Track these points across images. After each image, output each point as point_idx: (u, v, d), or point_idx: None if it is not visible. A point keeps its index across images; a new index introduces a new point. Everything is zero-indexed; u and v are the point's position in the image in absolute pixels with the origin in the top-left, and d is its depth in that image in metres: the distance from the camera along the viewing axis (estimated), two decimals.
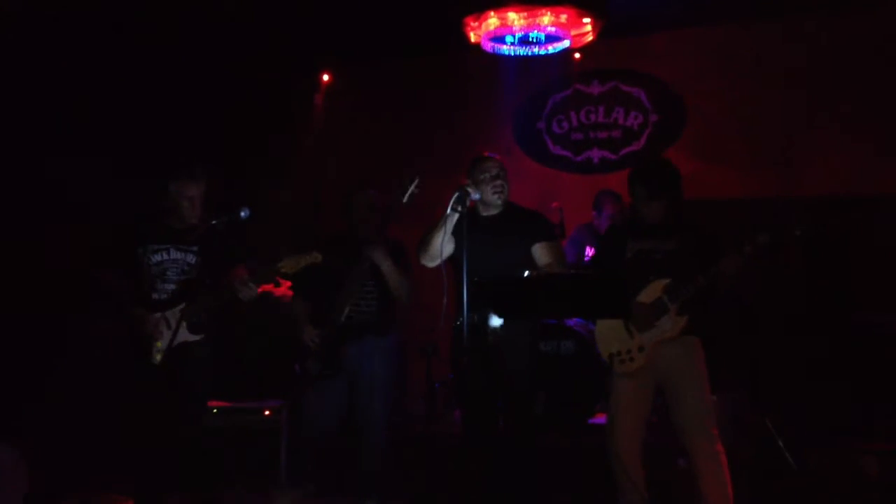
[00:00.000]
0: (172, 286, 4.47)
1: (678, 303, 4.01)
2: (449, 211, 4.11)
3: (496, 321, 4.20)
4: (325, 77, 7.78)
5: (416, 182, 4.37)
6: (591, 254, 6.14)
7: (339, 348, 4.65)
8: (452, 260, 4.24)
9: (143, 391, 4.38)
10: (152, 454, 4.42)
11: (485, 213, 4.38)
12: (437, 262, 4.23)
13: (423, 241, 4.32)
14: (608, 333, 4.20)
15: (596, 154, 7.23)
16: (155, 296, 4.47)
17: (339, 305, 4.61)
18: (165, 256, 4.49)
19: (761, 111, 6.67)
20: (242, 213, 4.00)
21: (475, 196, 4.16)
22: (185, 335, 4.33)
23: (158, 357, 4.34)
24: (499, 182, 4.31)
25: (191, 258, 4.53)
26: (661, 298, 4.04)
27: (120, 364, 4.57)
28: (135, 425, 4.46)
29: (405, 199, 4.37)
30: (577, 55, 6.95)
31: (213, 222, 4.17)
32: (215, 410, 5.56)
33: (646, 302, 4.07)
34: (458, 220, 4.12)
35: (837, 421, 5.20)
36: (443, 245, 4.19)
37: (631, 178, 4.27)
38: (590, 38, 6.06)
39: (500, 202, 4.35)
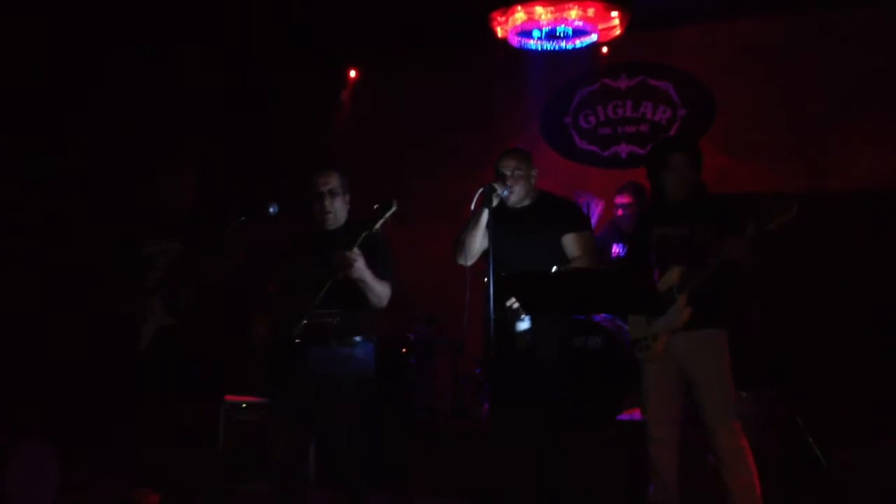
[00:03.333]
0: (159, 274, 4.53)
1: (686, 292, 3.98)
2: (473, 207, 4.11)
3: (523, 325, 4.18)
4: (352, 73, 7.79)
5: (391, 209, 3.91)
6: (616, 250, 6.11)
7: (294, 360, 4.05)
8: (483, 255, 4.24)
9: (136, 382, 4.45)
10: (164, 446, 4.48)
11: (512, 206, 4.36)
12: (473, 261, 4.23)
13: (458, 242, 4.31)
14: (634, 321, 4.24)
15: (623, 149, 7.18)
16: (149, 285, 4.55)
17: (296, 317, 3.96)
18: (157, 248, 4.55)
19: (791, 105, 6.60)
20: (271, 210, 4.02)
21: (503, 192, 4.15)
22: (164, 319, 4.41)
23: (144, 342, 4.41)
24: (510, 180, 4.28)
25: (178, 247, 4.59)
26: (672, 287, 4.02)
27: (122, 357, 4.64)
28: (137, 419, 4.53)
29: (376, 227, 3.92)
30: (605, 49, 6.91)
31: (242, 219, 4.20)
32: (244, 405, 5.61)
33: (661, 290, 4.05)
34: (489, 217, 4.12)
35: (869, 417, 5.15)
36: (474, 244, 4.20)
37: (672, 144, 4.26)
38: (617, 31, 6.03)
39: (517, 197, 4.33)
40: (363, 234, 3.88)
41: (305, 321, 3.93)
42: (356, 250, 3.87)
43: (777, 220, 3.74)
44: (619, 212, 6.10)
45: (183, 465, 4.49)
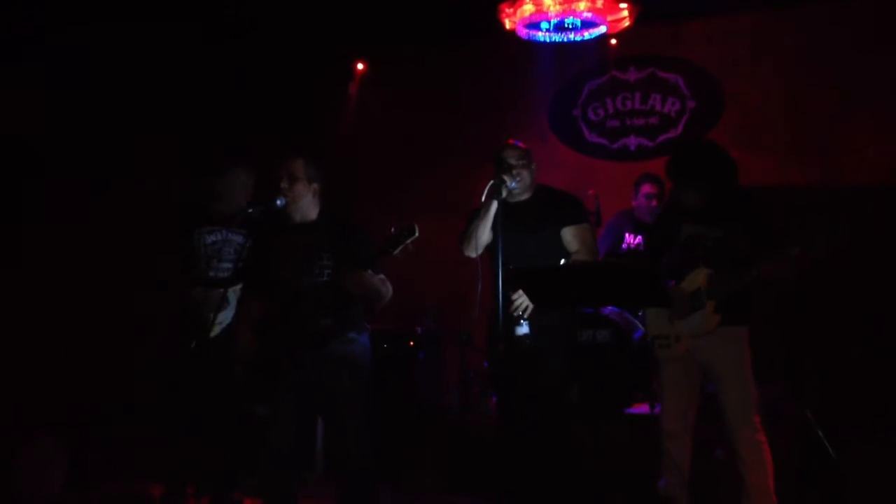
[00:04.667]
0: (230, 265, 4.60)
1: (715, 299, 3.97)
2: (484, 199, 4.09)
3: (522, 329, 4.16)
4: (360, 66, 7.76)
5: (413, 236, 3.67)
6: (629, 240, 6.09)
7: (292, 365, 3.89)
8: (488, 249, 4.23)
9: (199, 371, 4.43)
10: (212, 441, 4.48)
11: (513, 201, 4.34)
12: (480, 251, 4.20)
13: (467, 234, 4.31)
14: (655, 316, 4.23)
15: (632, 141, 7.15)
16: (212, 273, 4.59)
17: (292, 332, 3.87)
18: (219, 237, 4.64)
19: (800, 98, 6.57)
20: (278, 202, 4.00)
21: (511, 185, 4.14)
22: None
23: (217, 329, 4.41)
24: (515, 171, 4.27)
25: (242, 239, 4.63)
26: (699, 290, 4.00)
27: (172, 349, 4.61)
28: (190, 409, 4.51)
29: (395, 252, 3.70)
30: (614, 41, 6.88)
31: (250, 210, 4.19)
32: None
33: (686, 290, 4.04)
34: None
35: (879, 412, 5.12)
36: (482, 236, 4.18)
37: (666, 165, 4.23)
38: (626, 23, 5.98)
39: (519, 190, 4.31)
40: (380, 257, 3.76)
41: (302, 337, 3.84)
42: (369, 272, 3.79)
43: (826, 250, 3.67)
44: (652, 202, 6.04)
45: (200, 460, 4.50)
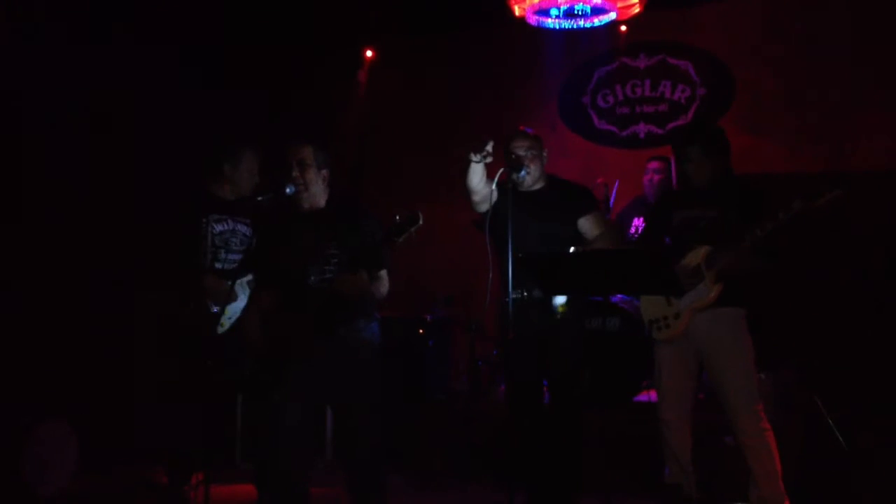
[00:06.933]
0: (237, 256, 4.51)
1: (714, 269, 3.96)
2: (494, 185, 4.07)
3: (560, 299, 4.15)
4: (369, 53, 7.75)
5: (417, 224, 3.59)
6: (637, 223, 6.10)
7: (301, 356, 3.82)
8: (498, 237, 4.20)
9: (210, 368, 4.41)
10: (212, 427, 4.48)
11: (524, 190, 4.31)
12: (488, 203, 4.12)
13: (467, 191, 4.25)
14: (650, 301, 4.21)
15: (642, 129, 7.13)
16: (218, 265, 4.50)
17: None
18: (226, 227, 4.54)
19: (810, 85, 6.54)
20: (287, 190, 3.99)
21: (521, 175, 4.12)
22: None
23: (226, 325, 4.40)
24: (525, 159, 4.24)
25: (248, 230, 4.58)
26: (699, 265, 4.00)
27: (179, 338, 4.57)
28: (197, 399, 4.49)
29: (399, 240, 3.62)
30: (624, 28, 6.86)
31: (259, 198, 4.17)
32: None
33: (687, 267, 4.03)
34: (503, 198, 4.09)
35: (889, 399, 5.11)
36: (473, 179, 4.14)
37: (688, 136, 4.22)
38: (636, 10, 5.95)
39: (529, 181, 4.29)
40: (385, 247, 3.72)
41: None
42: (364, 275, 3.76)
43: (827, 196, 3.71)
44: (655, 178, 6.06)
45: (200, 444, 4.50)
